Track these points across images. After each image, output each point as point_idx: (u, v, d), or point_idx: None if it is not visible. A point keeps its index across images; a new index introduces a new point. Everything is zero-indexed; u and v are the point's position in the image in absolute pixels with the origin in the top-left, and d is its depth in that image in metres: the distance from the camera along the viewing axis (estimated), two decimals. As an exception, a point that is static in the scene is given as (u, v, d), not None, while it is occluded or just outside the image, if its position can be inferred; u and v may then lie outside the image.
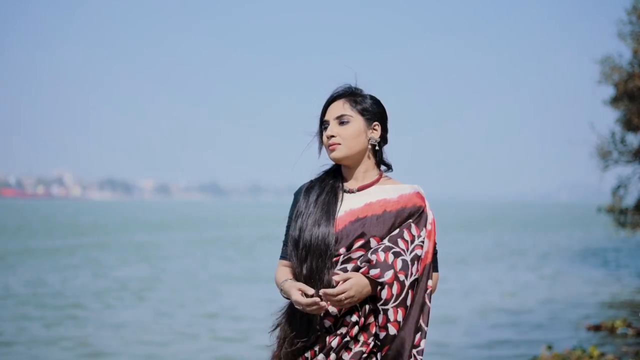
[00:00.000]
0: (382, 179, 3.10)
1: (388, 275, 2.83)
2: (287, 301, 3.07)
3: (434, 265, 3.02)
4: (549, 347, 10.49)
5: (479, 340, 12.18)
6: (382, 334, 2.87)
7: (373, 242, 2.93)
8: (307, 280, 2.94)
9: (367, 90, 3.14)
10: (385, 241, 2.91)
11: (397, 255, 2.87)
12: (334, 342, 2.90)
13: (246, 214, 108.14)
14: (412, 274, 2.88)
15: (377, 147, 3.09)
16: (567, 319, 14.18)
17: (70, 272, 23.38)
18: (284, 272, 3.08)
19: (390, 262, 2.85)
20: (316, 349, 2.93)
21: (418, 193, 3.03)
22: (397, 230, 2.93)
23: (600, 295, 17.59)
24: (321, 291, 2.81)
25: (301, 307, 2.85)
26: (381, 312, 2.86)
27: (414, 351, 2.90)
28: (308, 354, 2.94)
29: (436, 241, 3.04)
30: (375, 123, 3.07)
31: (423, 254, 2.95)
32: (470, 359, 10.94)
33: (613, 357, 9.82)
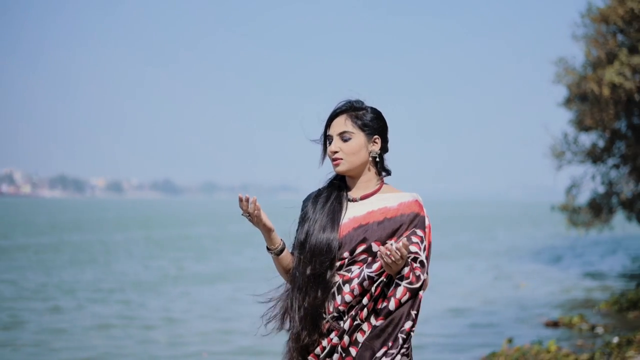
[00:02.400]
0: (383, 187, 3.35)
1: (405, 270, 3.12)
2: (285, 293, 3.35)
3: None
4: (509, 341, 10.77)
5: (439, 338, 12.34)
6: (383, 305, 3.13)
7: (374, 247, 3.18)
8: (311, 280, 3.20)
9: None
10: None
11: (415, 258, 3.15)
12: (346, 325, 3.13)
13: (200, 212, 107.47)
14: (425, 272, 3.16)
15: (377, 159, 3.32)
16: (525, 315, 14.46)
17: (17, 274, 22.91)
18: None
19: (408, 262, 3.13)
20: (332, 336, 3.16)
21: (416, 201, 3.27)
22: (404, 239, 3.08)
23: (556, 292, 17.92)
24: (396, 245, 3.01)
25: (244, 215, 3.27)
26: (394, 285, 3.12)
27: (400, 334, 3.12)
28: (324, 343, 3.17)
29: (430, 243, 3.25)
30: (376, 137, 3.30)
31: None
32: (430, 357, 11.10)
33: (570, 351, 10.12)
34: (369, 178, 3.33)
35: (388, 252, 3.00)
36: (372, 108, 3.34)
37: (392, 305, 3.11)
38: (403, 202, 3.26)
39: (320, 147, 3.39)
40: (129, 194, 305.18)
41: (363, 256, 3.20)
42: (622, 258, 27.71)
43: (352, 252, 3.20)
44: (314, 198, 3.39)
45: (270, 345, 11.86)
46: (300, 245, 3.29)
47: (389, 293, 3.12)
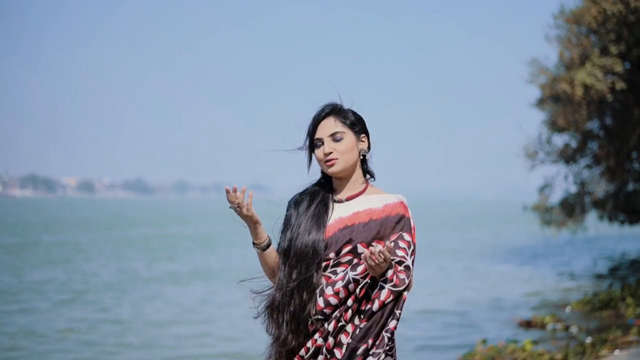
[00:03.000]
0: (368, 189, 3.38)
1: (389, 272, 3.12)
2: (271, 296, 3.31)
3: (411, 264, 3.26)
4: (484, 342, 10.81)
5: (414, 339, 12.33)
6: (367, 307, 3.14)
7: (360, 248, 3.19)
8: (297, 284, 3.21)
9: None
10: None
11: (400, 262, 3.17)
12: (330, 327, 3.15)
13: (172, 211, 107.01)
14: (410, 275, 3.18)
15: (365, 157, 3.37)
16: (499, 315, 14.52)
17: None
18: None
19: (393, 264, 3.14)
20: (316, 337, 3.17)
21: (401, 202, 3.30)
22: (392, 243, 3.17)
23: (529, 292, 18.01)
24: (379, 249, 3.01)
25: (230, 203, 3.22)
26: (378, 287, 3.13)
27: (385, 333, 3.14)
28: (308, 344, 3.18)
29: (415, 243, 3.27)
30: (363, 135, 3.36)
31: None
32: (405, 358, 11.11)
33: (544, 350, 10.18)
34: (355, 178, 3.35)
35: (371, 255, 3.00)
36: (350, 109, 3.38)
37: (375, 306, 3.12)
38: (388, 204, 3.28)
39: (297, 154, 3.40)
40: (100, 193, 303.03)
41: (348, 257, 3.21)
42: (594, 258, 27.88)
43: (337, 252, 3.21)
44: (295, 203, 3.40)
45: (247, 348, 11.91)
46: (285, 251, 3.29)
47: (373, 295, 3.13)
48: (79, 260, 27.95)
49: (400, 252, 3.17)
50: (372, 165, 3.43)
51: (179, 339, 12.82)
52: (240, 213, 3.25)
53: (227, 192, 3.21)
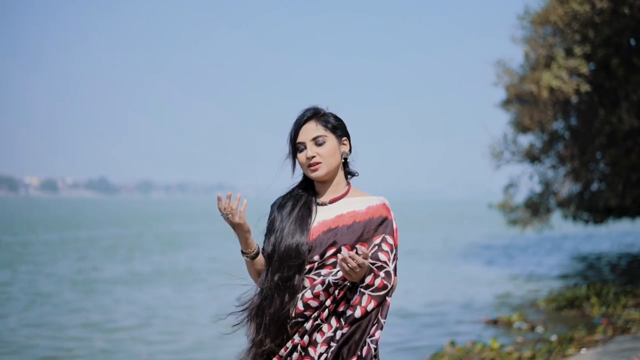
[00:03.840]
0: (350, 191, 3.42)
1: (369, 276, 3.15)
2: (254, 297, 3.35)
3: (394, 268, 3.27)
4: (452, 343, 10.81)
5: (382, 340, 12.31)
6: (349, 312, 3.14)
7: (344, 250, 3.18)
8: (278, 286, 3.24)
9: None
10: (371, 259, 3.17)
11: (381, 268, 3.17)
12: (308, 325, 3.18)
13: (136, 211, 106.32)
14: (392, 282, 3.18)
15: (347, 160, 3.42)
16: (466, 315, 14.54)
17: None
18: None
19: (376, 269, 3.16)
20: (294, 336, 3.20)
21: (384, 204, 3.34)
22: (374, 247, 3.22)
23: (495, 291, 18.07)
24: (348, 253, 3.04)
25: (221, 212, 3.24)
26: (358, 293, 3.14)
27: (368, 340, 3.15)
28: (283, 351, 3.22)
29: (397, 246, 3.30)
30: (344, 138, 3.40)
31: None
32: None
33: (512, 349, 10.20)
34: (338, 181, 3.40)
35: (345, 259, 3.03)
36: (331, 112, 3.41)
37: (358, 313, 3.12)
38: (371, 206, 3.33)
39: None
40: (63, 192, 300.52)
41: (333, 260, 3.25)
42: (560, 257, 28.08)
43: (322, 255, 3.24)
44: (279, 207, 3.43)
45: (213, 350, 11.82)
46: (269, 254, 3.32)
47: (354, 301, 3.15)
48: (43, 260, 27.60)
49: (382, 257, 3.18)
50: (355, 167, 3.48)
51: (144, 342, 12.68)
52: (231, 221, 3.26)
53: (219, 199, 3.22)
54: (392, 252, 3.21)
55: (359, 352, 3.12)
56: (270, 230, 3.38)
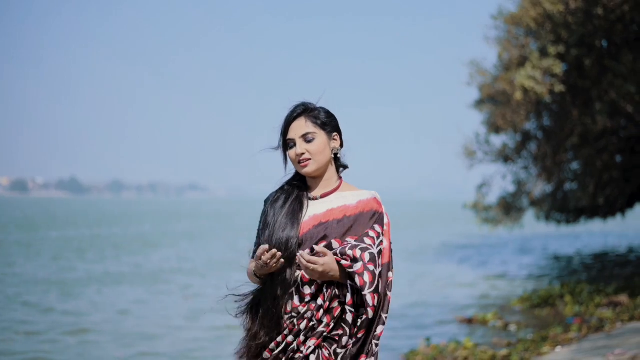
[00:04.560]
0: (342, 185, 3.45)
1: (357, 266, 3.14)
2: (250, 294, 3.37)
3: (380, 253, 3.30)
4: (427, 340, 10.80)
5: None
6: (364, 318, 3.15)
7: (335, 244, 3.24)
8: (272, 280, 3.27)
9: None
10: (353, 240, 3.23)
11: (364, 250, 3.18)
12: (303, 325, 3.19)
13: (107, 211, 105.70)
14: (379, 265, 3.20)
15: (338, 155, 3.43)
16: (439, 314, 14.56)
17: None
18: (254, 264, 3.34)
19: (359, 256, 3.15)
20: (286, 332, 3.21)
21: (375, 198, 3.38)
22: (360, 227, 3.28)
23: (469, 290, 18.13)
24: (299, 252, 3.13)
25: (262, 263, 3.16)
26: (361, 297, 3.15)
27: (374, 341, 3.22)
28: (279, 339, 3.22)
29: (391, 241, 3.35)
30: (335, 133, 3.41)
31: (384, 250, 3.28)
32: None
33: (487, 348, 10.21)
34: (329, 176, 3.43)
35: (298, 259, 3.12)
36: (322, 107, 3.43)
37: (370, 314, 3.14)
38: (362, 200, 3.36)
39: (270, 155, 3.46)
40: (34, 193, 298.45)
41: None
42: (533, 257, 28.22)
43: (313, 249, 3.23)
44: (272, 202, 3.44)
45: (188, 350, 11.74)
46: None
47: (363, 305, 3.15)
48: (11, 261, 27.32)
49: (367, 241, 3.21)
50: (346, 162, 3.51)
51: (119, 342, 12.58)
52: (267, 269, 3.22)
53: (265, 253, 3.17)
54: (377, 238, 3.24)
55: (366, 350, 3.17)
56: (264, 224, 3.41)
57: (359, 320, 3.15)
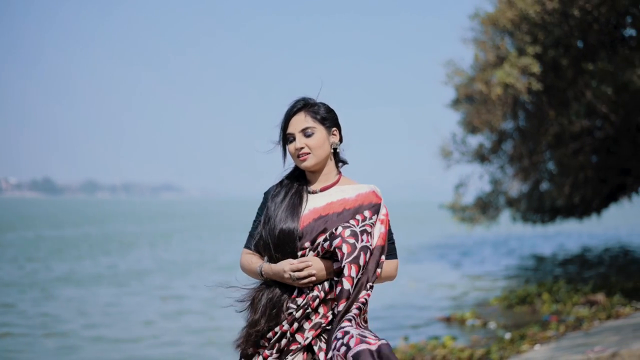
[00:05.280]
0: (341, 179, 3.52)
1: (336, 241, 3.23)
2: (252, 286, 3.43)
3: (393, 253, 3.47)
4: (406, 339, 10.83)
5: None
6: (338, 289, 3.20)
7: (291, 272, 3.28)
8: None
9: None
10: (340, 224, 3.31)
11: (346, 227, 3.27)
12: (298, 314, 3.25)
13: (81, 212, 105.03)
14: (361, 240, 3.25)
15: (337, 150, 3.50)
16: (418, 314, 14.60)
17: None
18: (254, 258, 3.45)
19: (338, 233, 3.25)
20: (283, 323, 3.26)
21: (374, 192, 3.46)
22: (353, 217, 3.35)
23: (448, 289, 18.19)
24: (287, 268, 3.24)
25: (293, 278, 3.23)
26: (341, 270, 3.21)
27: (355, 303, 3.21)
28: (276, 329, 3.27)
29: (392, 231, 3.48)
30: (334, 128, 3.48)
31: (377, 234, 3.36)
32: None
33: (465, 346, 10.26)
34: (329, 170, 3.49)
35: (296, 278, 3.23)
36: (322, 103, 3.48)
37: (346, 285, 3.19)
38: (361, 193, 3.43)
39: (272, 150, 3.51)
40: (7, 193, 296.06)
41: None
42: (511, 256, 28.35)
43: (313, 242, 3.30)
44: (273, 195, 3.49)
45: (163, 349, 11.70)
46: (264, 242, 3.38)
47: (340, 277, 3.21)
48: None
49: (351, 221, 3.30)
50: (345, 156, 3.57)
51: (94, 342, 12.52)
52: (289, 280, 3.28)
53: (296, 270, 3.25)
54: (363, 221, 3.31)
55: (349, 317, 3.16)
56: (264, 217, 3.44)
57: (338, 289, 3.20)
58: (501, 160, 21.55)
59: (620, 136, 17.99)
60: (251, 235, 3.51)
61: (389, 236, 3.46)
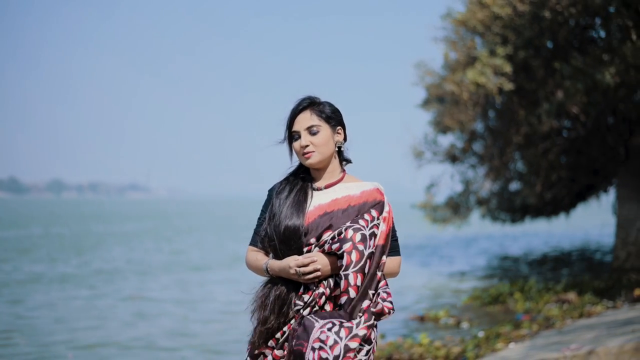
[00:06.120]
0: (345, 177, 3.60)
1: (347, 245, 3.29)
2: (261, 284, 3.49)
3: (396, 250, 3.57)
4: (382, 336, 10.87)
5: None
6: (344, 298, 3.28)
7: (297, 266, 3.35)
8: None
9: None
10: (348, 222, 3.38)
11: (357, 230, 3.33)
12: (305, 312, 3.32)
13: (48, 211, 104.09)
14: (369, 246, 3.33)
15: (341, 148, 3.58)
16: (396, 313, 14.62)
17: None
18: (259, 255, 3.53)
19: (349, 237, 3.31)
20: (292, 322, 3.33)
21: (377, 189, 3.54)
22: (360, 214, 3.42)
23: (421, 289, 18.25)
24: (293, 264, 3.31)
25: (298, 274, 3.30)
26: (343, 278, 3.28)
27: (359, 314, 3.30)
28: (285, 328, 3.34)
29: (395, 228, 3.57)
30: (339, 127, 3.56)
31: (379, 233, 3.41)
32: None
33: (441, 344, 10.32)
34: (333, 168, 3.57)
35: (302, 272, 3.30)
36: (327, 102, 3.57)
37: (352, 293, 3.27)
38: (365, 190, 3.50)
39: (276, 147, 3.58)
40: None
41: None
42: (483, 256, 28.48)
43: (318, 238, 3.37)
44: (278, 192, 3.55)
45: (134, 351, 11.64)
46: (269, 239, 3.45)
47: (343, 287, 3.28)
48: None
49: (361, 222, 3.36)
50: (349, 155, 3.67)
51: (68, 344, 12.42)
52: (294, 276, 3.34)
53: (304, 265, 3.31)
54: (371, 221, 3.38)
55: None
56: (269, 213, 3.49)
57: (343, 299, 3.27)
58: (472, 160, 21.70)
59: (591, 136, 18.19)
60: (256, 232, 3.57)
61: (392, 233, 3.53)
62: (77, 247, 34.48)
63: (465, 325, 12.28)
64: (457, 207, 22.03)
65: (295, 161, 3.61)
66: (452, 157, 21.54)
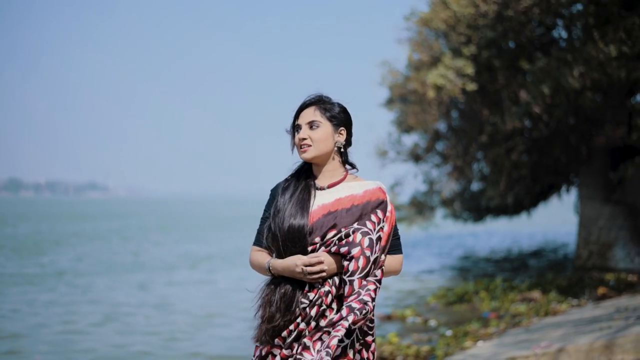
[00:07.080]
0: (348, 177, 3.60)
1: (355, 250, 3.32)
2: (264, 282, 3.51)
3: (397, 248, 3.58)
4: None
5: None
6: (355, 305, 3.26)
7: (344, 232, 3.39)
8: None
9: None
10: (356, 224, 3.39)
11: (365, 234, 3.36)
12: (313, 312, 3.33)
13: (6, 211, 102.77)
14: (375, 251, 3.37)
15: (342, 149, 3.58)
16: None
17: None
18: (263, 255, 3.55)
19: (358, 241, 3.33)
20: (298, 320, 3.34)
21: (380, 188, 3.55)
22: (366, 215, 3.43)
23: (388, 288, 18.27)
24: (300, 263, 3.33)
25: (305, 273, 3.33)
26: (348, 284, 3.32)
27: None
28: (291, 327, 3.34)
29: (397, 227, 3.60)
30: (342, 128, 3.58)
31: (383, 235, 3.44)
32: None
33: (410, 343, 10.36)
34: (334, 167, 3.58)
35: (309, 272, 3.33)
36: (338, 103, 3.60)
37: (356, 285, 3.31)
38: (368, 190, 3.51)
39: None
40: None
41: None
42: (447, 255, 28.59)
43: (322, 237, 3.39)
44: (283, 189, 3.58)
45: (104, 352, 11.53)
46: (273, 237, 3.46)
47: (347, 292, 3.32)
48: None
49: (369, 225, 3.38)
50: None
51: (36, 344, 12.26)
52: (300, 275, 3.37)
53: (311, 265, 3.34)
54: (378, 224, 3.40)
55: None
56: (273, 212, 3.51)
57: (353, 306, 3.26)
58: (436, 160, 21.81)
59: (553, 136, 18.35)
60: (259, 232, 3.59)
61: (394, 231, 3.55)
62: (39, 247, 34.09)
63: (433, 323, 12.32)
64: (421, 207, 22.14)
65: (295, 156, 3.62)
66: (416, 157, 21.65)
